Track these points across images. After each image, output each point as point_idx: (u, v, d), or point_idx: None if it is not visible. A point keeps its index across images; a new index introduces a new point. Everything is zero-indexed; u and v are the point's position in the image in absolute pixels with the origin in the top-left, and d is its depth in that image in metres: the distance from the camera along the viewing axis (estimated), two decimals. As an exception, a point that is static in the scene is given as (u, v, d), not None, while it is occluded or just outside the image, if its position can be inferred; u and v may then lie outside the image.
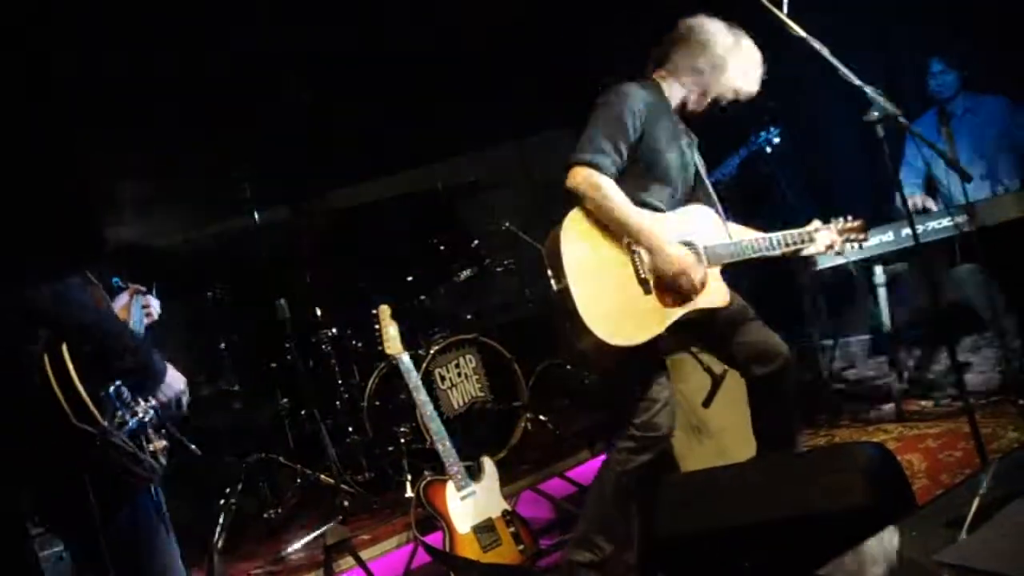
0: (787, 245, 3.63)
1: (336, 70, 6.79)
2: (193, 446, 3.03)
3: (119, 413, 2.59)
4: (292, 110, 5.24)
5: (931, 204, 5.29)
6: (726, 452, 4.42)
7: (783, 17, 3.18)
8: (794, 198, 5.87)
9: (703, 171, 3.70)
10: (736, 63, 3.54)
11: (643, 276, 3.32)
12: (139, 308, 3.25)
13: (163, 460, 2.76)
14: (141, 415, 2.68)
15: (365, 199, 8.32)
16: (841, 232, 3.72)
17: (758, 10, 3.19)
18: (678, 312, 3.34)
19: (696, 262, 3.38)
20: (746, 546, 2.45)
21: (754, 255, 3.56)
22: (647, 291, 3.31)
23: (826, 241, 3.67)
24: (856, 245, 3.80)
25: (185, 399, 2.93)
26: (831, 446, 4.62)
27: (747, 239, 3.57)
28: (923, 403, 5.06)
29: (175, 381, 2.87)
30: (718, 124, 5.61)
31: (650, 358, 3.43)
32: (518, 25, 6.96)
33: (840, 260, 4.86)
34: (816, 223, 3.72)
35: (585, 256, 3.26)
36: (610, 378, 3.57)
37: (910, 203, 5.39)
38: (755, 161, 5.59)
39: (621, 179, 3.36)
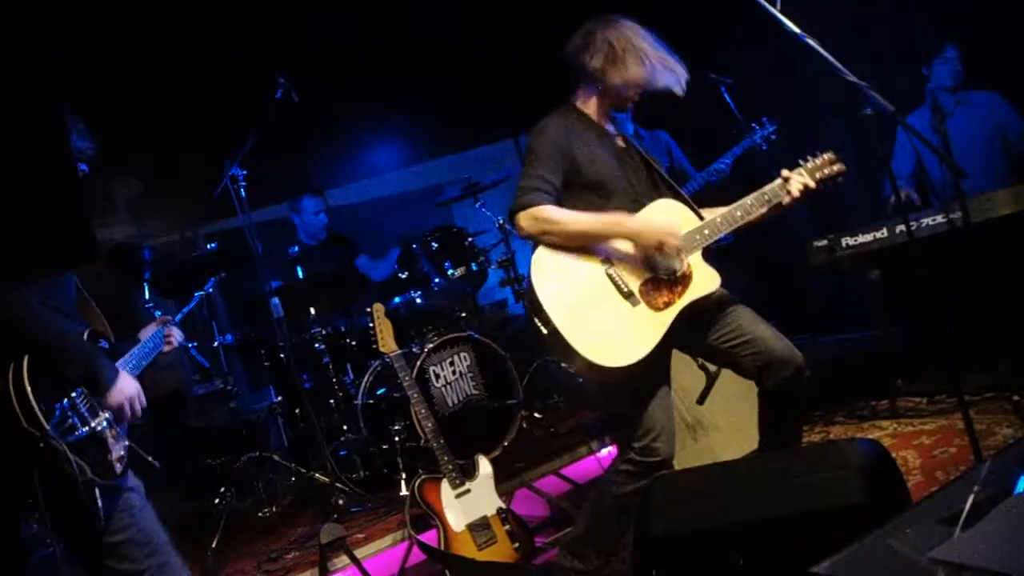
0: (763, 205, 3.50)
1: (329, 65, 6.81)
2: (150, 458, 3.15)
3: (71, 421, 2.74)
4: (287, 106, 5.20)
5: (915, 197, 5.30)
6: (720, 449, 4.44)
7: (776, 14, 3.17)
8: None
9: (659, 165, 3.63)
10: (630, 46, 3.46)
11: (626, 290, 3.29)
12: (157, 335, 3.52)
13: (118, 467, 2.89)
14: (94, 425, 2.82)
15: (362, 196, 8.36)
16: (813, 172, 3.54)
17: (751, 7, 3.19)
18: (673, 311, 3.29)
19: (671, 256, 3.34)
20: (740, 544, 2.45)
21: (731, 228, 3.46)
22: (635, 303, 3.28)
23: (799, 186, 3.49)
24: (837, 181, 3.58)
25: (138, 405, 3.02)
26: (825, 443, 4.63)
27: (718, 216, 3.47)
28: (917, 400, 5.06)
29: (125, 387, 2.97)
30: (713, 121, 5.67)
31: (652, 378, 3.38)
32: (517, 23, 6.97)
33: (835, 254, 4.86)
34: (784, 171, 3.55)
35: (561, 290, 3.26)
36: (614, 398, 3.49)
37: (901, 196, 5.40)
38: (749, 158, 5.58)
39: (574, 205, 3.37)
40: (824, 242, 5.02)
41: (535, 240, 3.35)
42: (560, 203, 3.37)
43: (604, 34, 3.47)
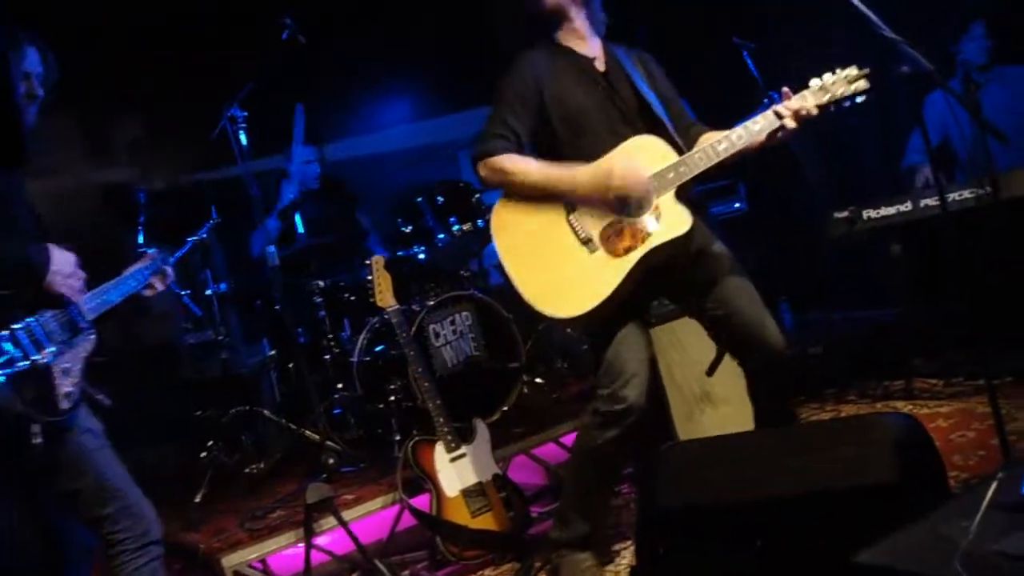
0: (752, 136, 3.14)
1: (341, 14, 6.61)
2: (101, 396, 2.97)
3: (8, 355, 2.63)
4: (291, 54, 5.02)
5: (929, 176, 5.13)
6: (730, 423, 4.26)
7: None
8: (809, 167, 5.69)
9: (651, 97, 3.35)
10: None
11: (583, 236, 3.15)
12: (140, 273, 3.20)
13: (64, 404, 2.75)
14: (37, 358, 2.69)
15: (366, 150, 8.16)
16: (823, 92, 3.13)
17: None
18: (634, 257, 3.10)
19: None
20: (758, 521, 2.25)
21: (712, 163, 3.14)
22: (592, 250, 3.13)
23: (796, 113, 3.10)
24: (856, 100, 3.16)
25: (77, 280, 2.88)
26: (855, 416, 4.44)
27: (697, 151, 3.17)
28: (933, 381, 4.89)
29: (64, 265, 2.84)
30: (734, 86, 5.48)
31: (620, 324, 3.22)
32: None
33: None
34: (784, 89, 3.17)
35: (516, 240, 3.20)
36: (590, 345, 3.38)
37: (924, 175, 5.23)
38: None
39: (548, 152, 3.24)
40: (845, 214, 4.85)
41: (495, 188, 3.27)
42: (533, 142, 3.26)
43: None
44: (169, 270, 3.36)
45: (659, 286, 3.37)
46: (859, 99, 3.17)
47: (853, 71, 3.16)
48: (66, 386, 2.76)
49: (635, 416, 3.16)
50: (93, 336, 2.94)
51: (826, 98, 3.14)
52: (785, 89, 3.18)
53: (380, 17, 6.92)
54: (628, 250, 3.12)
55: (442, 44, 7.24)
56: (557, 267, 3.13)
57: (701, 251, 3.30)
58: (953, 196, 4.45)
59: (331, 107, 7.20)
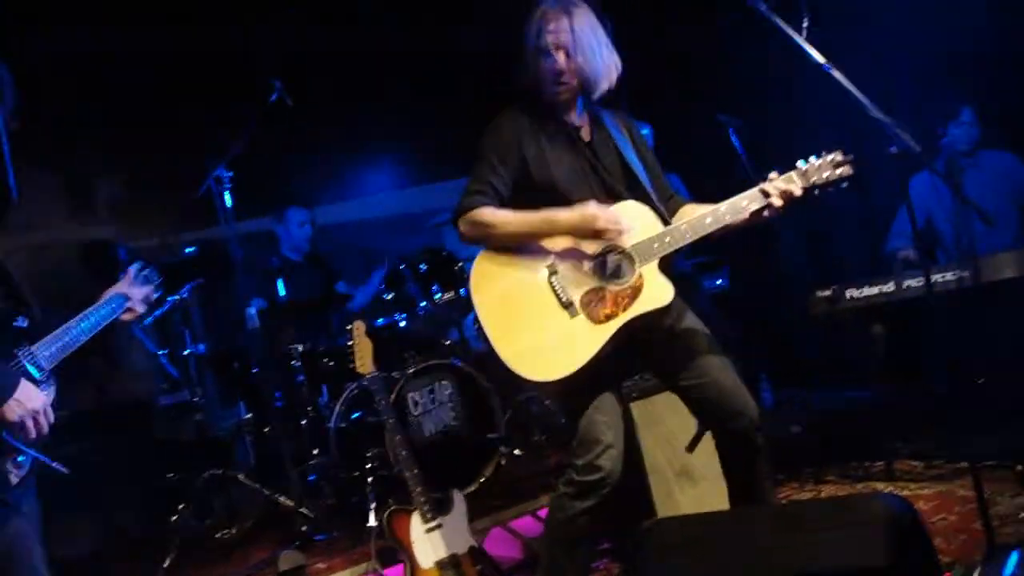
0: (737, 213, 3.12)
1: (325, 83, 6.65)
2: (56, 464, 2.65)
3: None
4: (276, 118, 5.05)
5: (913, 257, 5.17)
6: (708, 500, 4.21)
7: (802, 43, 3.01)
8: (790, 246, 5.75)
9: (637, 166, 3.35)
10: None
11: (565, 299, 3.12)
12: (115, 300, 3.02)
13: (12, 479, 2.53)
14: None
15: (350, 216, 8.18)
16: (808, 175, 3.13)
17: (776, 36, 3.03)
18: (614, 325, 3.09)
19: (623, 265, 3.14)
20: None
21: (697, 237, 3.15)
22: (573, 314, 3.11)
23: (781, 195, 3.10)
24: (840, 186, 3.15)
25: (43, 420, 2.57)
26: (842, 496, 4.41)
27: (684, 223, 3.17)
28: (914, 463, 4.86)
29: (26, 399, 2.53)
30: (720, 164, 5.53)
31: (596, 392, 3.18)
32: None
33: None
34: (771, 175, 3.16)
35: (495, 298, 3.17)
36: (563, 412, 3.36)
37: (905, 257, 5.26)
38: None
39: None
40: (827, 292, 4.86)
41: (475, 244, 3.24)
42: (511, 204, 3.22)
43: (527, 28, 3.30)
44: (142, 291, 3.15)
45: (637, 356, 3.36)
46: (843, 185, 3.19)
47: (838, 156, 3.18)
48: (7, 465, 2.54)
49: (610, 486, 3.13)
50: (51, 388, 2.71)
51: (812, 180, 3.15)
52: (773, 173, 3.19)
53: (366, 83, 6.95)
54: (609, 317, 3.10)
55: (426, 111, 7.28)
56: (536, 329, 3.10)
57: (678, 323, 3.30)
58: (936, 278, 4.48)
59: (317, 172, 7.22)
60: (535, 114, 3.33)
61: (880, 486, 4.66)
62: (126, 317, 3.06)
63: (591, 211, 3.10)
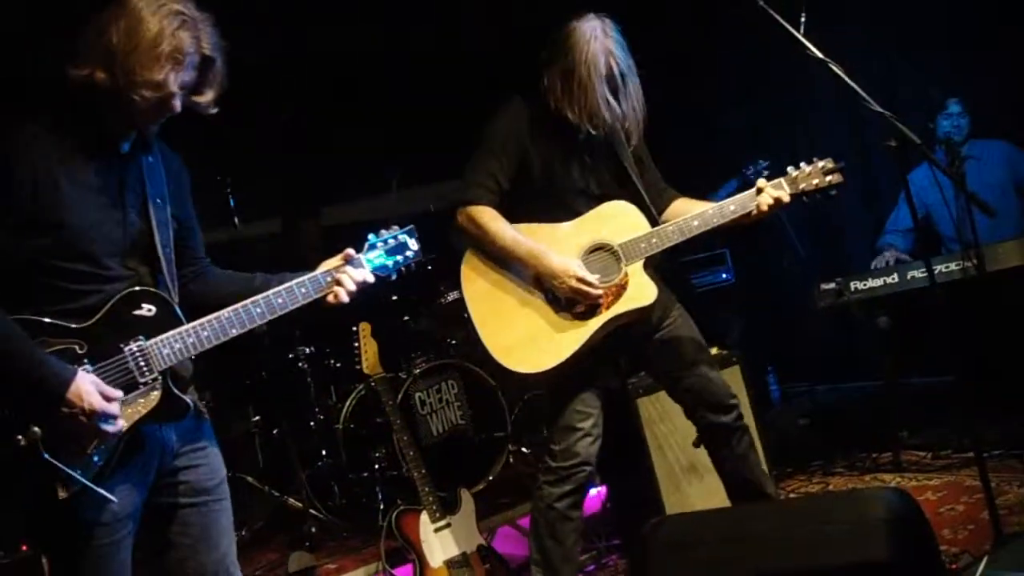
0: (724, 216, 3.18)
1: (329, 83, 6.65)
2: (100, 489, 2.18)
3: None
4: (285, 121, 5.06)
5: (905, 257, 5.15)
6: (715, 494, 4.22)
7: (800, 37, 3.02)
8: (793, 230, 5.73)
9: (629, 162, 3.39)
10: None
11: (552, 295, 3.20)
12: (319, 279, 2.61)
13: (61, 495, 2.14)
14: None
15: (357, 217, 8.16)
16: (798, 181, 3.20)
17: (774, 29, 3.04)
18: (598, 322, 3.17)
19: (609, 264, 3.22)
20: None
21: (683, 238, 3.20)
22: (558, 309, 3.19)
23: (770, 200, 3.15)
24: (830, 193, 3.23)
25: (102, 425, 2.13)
26: (847, 491, 4.42)
27: (671, 224, 3.21)
28: (921, 454, 4.86)
29: (87, 395, 2.10)
30: (711, 156, 5.54)
31: (579, 384, 3.28)
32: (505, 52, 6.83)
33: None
34: (760, 182, 3.21)
35: (485, 289, 3.25)
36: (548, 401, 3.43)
37: (885, 258, 5.22)
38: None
39: (522, 202, 3.28)
40: (832, 285, 4.87)
41: (465, 236, 3.29)
42: (507, 197, 3.27)
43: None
44: (355, 272, 2.64)
45: (623, 352, 3.48)
46: (832, 192, 3.25)
47: (829, 163, 3.25)
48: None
49: (587, 472, 3.27)
50: (153, 394, 2.29)
51: (801, 187, 3.22)
52: (761, 180, 3.24)
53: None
54: (593, 315, 3.18)
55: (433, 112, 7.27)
56: (523, 322, 3.19)
57: (664, 320, 3.39)
58: (940, 268, 4.49)
59: (324, 173, 7.22)
60: (536, 109, 3.35)
61: (888, 477, 4.68)
62: (331, 299, 2.66)
63: (573, 269, 3.15)
